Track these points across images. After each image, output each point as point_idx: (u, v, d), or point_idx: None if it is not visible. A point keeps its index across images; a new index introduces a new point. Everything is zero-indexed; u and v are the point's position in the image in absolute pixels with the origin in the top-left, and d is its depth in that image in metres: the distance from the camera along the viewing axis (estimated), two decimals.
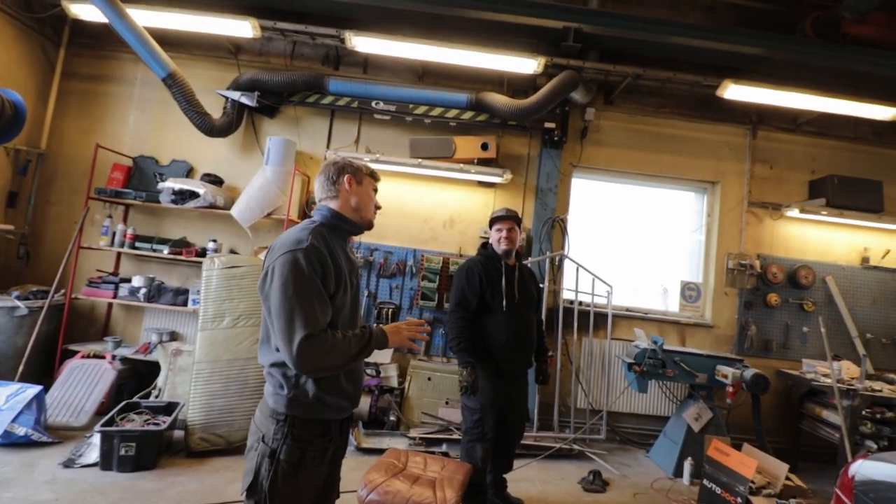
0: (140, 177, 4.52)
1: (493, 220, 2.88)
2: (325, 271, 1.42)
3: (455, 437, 3.77)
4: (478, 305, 2.73)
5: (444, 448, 3.70)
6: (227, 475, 3.06)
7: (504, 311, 2.71)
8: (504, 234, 2.80)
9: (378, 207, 1.73)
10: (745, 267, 4.58)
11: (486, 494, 2.84)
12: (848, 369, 4.06)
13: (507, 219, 2.83)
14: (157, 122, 4.63)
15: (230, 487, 2.90)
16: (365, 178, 1.67)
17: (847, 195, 4.50)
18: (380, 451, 3.31)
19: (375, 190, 1.72)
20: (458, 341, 2.68)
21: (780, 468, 3.14)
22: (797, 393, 4.28)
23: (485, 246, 2.97)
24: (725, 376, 3.65)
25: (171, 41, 4.42)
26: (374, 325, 1.59)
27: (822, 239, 4.82)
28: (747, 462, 2.95)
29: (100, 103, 4.65)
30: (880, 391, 3.81)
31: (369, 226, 1.69)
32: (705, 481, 3.11)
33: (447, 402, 4.09)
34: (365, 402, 3.96)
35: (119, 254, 4.44)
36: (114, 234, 4.27)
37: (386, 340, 1.54)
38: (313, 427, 1.47)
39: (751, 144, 4.83)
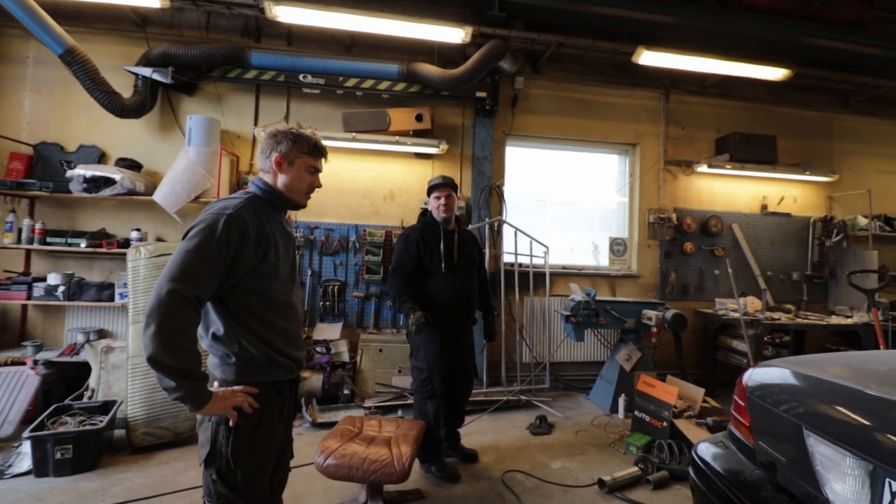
0: (44, 166, 4.11)
1: (431, 188, 2.97)
2: (243, 241, 1.40)
3: (409, 402, 3.88)
4: (417, 269, 2.85)
5: (399, 414, 3.82)
6: (177, 465, 2.99)
7: (443, 272, 2.84)
8: (442, 201, 2.90)
9: (316, 187, 1.63)
10: (664, 220, 5.00)
11: (441, 448, 3.00)
12: (752, 303, 4.60)
13: (444, 186, 2.92)
14: (57, 105, 4.21)
15: (181, 476, 2.84)
16: (300, 157, 1.55)
17: (747, 150, 5.01)
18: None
19: (316, 169, 1.61)
20: (398, 298, 2.81)
21: (698, 392, 3.56)
22: (712, 328, 4.81)
23: (424, 214, 3.06)
24: (650, 319, 4.02)
25: (67, 13, 3.99)
26: (212, 387, 1.43)
27: (728, 190, 5.36)
28: (670, 390, 3.31)
29: None
30: (778, 319, 4.38)
31: (297, 207, 1.65)
32: (636, 412, 3.47)
33: (399, 371, 4.19)
34: (318, 380, 3.97)
35: (28, 251, 4.06)
36: (20, 230, 3.89)
37: (205, 400, 1.33)
38: (267, 388, 1.48)
39: (665, 107, 5.21)
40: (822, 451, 1.38)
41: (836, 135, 5.65)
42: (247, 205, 1.46)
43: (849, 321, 4.55)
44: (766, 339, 4.25)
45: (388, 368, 4.21)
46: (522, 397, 4.17)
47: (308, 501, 2.59)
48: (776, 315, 4.52)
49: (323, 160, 1.65)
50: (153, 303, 1.26)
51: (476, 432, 3.57)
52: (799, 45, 4.66)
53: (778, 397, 1.68)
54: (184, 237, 1.39)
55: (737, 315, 4.22)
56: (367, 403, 3.90)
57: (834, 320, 4.57)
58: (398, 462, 2.30)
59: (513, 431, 3.66)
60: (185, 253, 1.32)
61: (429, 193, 2.98)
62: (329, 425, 3.57)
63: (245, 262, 1.41)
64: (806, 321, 4.47)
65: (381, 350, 4.24)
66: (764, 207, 5.40)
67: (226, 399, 1.38)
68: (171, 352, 1.25)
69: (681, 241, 5.12)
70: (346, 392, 3.99)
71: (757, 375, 1.90)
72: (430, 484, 2.82)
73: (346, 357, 4.19)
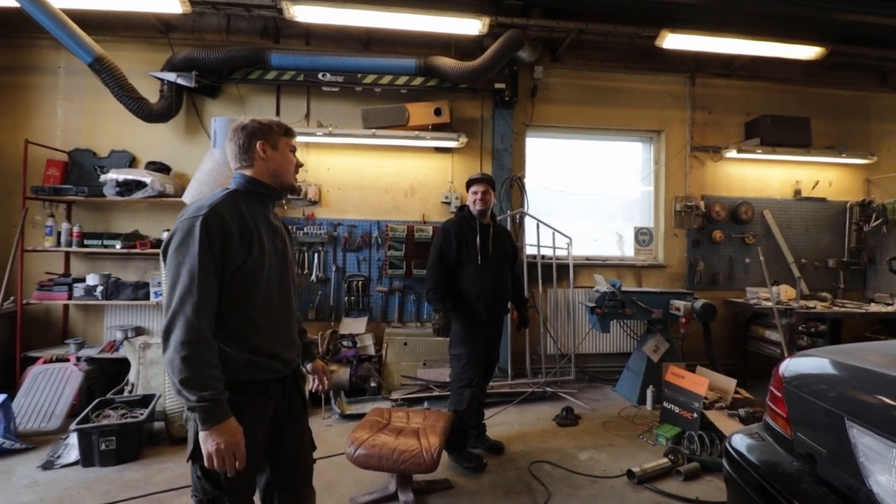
0: (78, 171, 4.28)
1: (470, 183, 3.04)
2: (227, 238, 1.35)
3: (435, 394, 3.93)
4: (455, 261, 2.93)
5: (425, 406, 3.85)
6: None
7: (478, 264, 2.90)
8: (479, 196, 2.97)
9: (300, 166, 1.64)
10: (691, 208, 4.88)
11: (468, 438, 3.03)
12: (786, 292, 4.46)
13: (483, 181, 3.01)
14: (89, 112, 4.36)
15: None
16: (279, 139, 1.53)
17: (779, 133, 4.83)
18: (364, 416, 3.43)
19: (293, 149, 1.60)
20: (433, 291, 2.92)
21: (729, 383, 3.48)
22: (743, 318, 4.69)
23: (461, 209, 3.16)
24: (678, 309, 3.94)
25: (93, 23, 4.12)
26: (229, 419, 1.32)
27: (759, 176, 5.18)
28: (700, 381, 3.24)
29: (22, 97, 4.32)
30: (814, 308, 4.23)
31: (291, 189, 1.61)
32: (665, 403, 3.41)
33: (425, 364, 4.23)
34: (345, 373, 4.04)
35: (68, 254, 4.24)
36: (59, 233, 4.06)
37: (214, 422, 1.27)
38: (246, 387, 1.42)
39: (690, 92, 5.06)
40: (866, 443, 1.34)
41: (874, 114, 5.39)
42: (224, 200, 1.41)
43: (889, 309, 4.37)
44: (800, 328, 4.12)
45: (414, 361, 4.25)
46: (548, 389, 4.16)
47: (340, 490, 2.65)
48: (811, 303, 4.36)
49: (294, 140, 1.63)
50: (168, 335, 1.27)
51: (502, 423, 3.58)
52: (832, 20, 4.42)
53: (817, 387, 1.63)
54: (164, 249, 1.37)
55: (769, 304, 4.10)
56: (394, 396, 3.95)
57: (873, 308, 4.39)
58: (427, 452, 2.33)
59: (539, 423, 3.66)
60: (179, 272, 1.30)
61: (468, 188, 3.05)
62: (357, 417, 3.63)
63: (233, 259, 1.37)
64: (843, 309, 4.30)
65: (405, 343, 4.29)
66: (797, 192, 5.20)
67: (226, 434, 1.29)
68: (187, 372, 1.26)
69: (709, 229, 4.98)
70: (372, 384, 4.05)
71: (794, 365, 1.84)
72: (458, 474, 2.85)
73: (371, 350, 4.25)
